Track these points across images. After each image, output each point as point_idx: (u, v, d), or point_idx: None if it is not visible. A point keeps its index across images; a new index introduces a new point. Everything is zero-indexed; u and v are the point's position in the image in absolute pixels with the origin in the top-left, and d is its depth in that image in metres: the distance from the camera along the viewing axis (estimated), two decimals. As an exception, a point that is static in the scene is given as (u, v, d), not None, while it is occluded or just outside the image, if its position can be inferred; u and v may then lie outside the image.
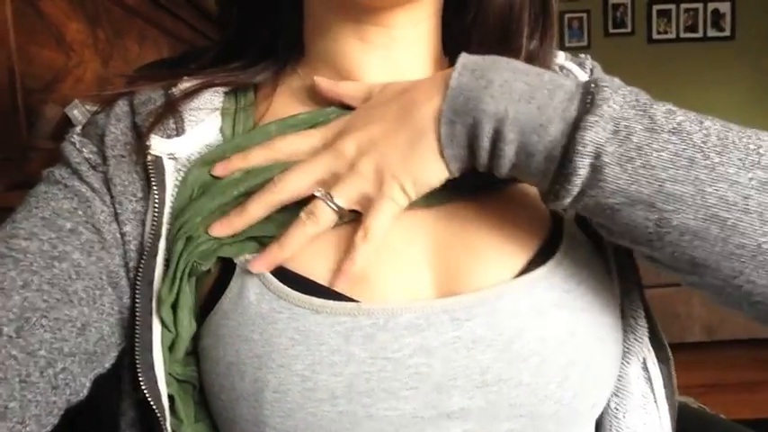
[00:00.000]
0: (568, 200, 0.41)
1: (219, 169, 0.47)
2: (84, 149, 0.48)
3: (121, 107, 0.50)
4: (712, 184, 0.38)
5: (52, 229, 0.44)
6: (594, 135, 0.38)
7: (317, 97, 0.51)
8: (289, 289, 0.43)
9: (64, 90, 0.84)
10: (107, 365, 0.46)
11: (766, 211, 0.38)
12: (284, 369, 0.41)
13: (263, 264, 0.44)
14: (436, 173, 0.43)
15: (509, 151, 0.41)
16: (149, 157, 0.46)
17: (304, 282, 0.43)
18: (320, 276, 0.44)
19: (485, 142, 0.41)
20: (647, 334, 0.50)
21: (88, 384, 0.44)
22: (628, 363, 0.50)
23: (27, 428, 0.40)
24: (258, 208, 0.45)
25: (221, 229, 0.45)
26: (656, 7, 3.61)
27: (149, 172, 0.46)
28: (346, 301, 0.43)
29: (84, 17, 0.92)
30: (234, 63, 0.53)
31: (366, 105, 0.47)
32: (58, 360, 0.41)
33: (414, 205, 0.46)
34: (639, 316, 0.50)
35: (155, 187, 0.45)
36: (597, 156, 0.39)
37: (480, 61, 0.43)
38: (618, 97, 0.40)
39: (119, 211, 0.46)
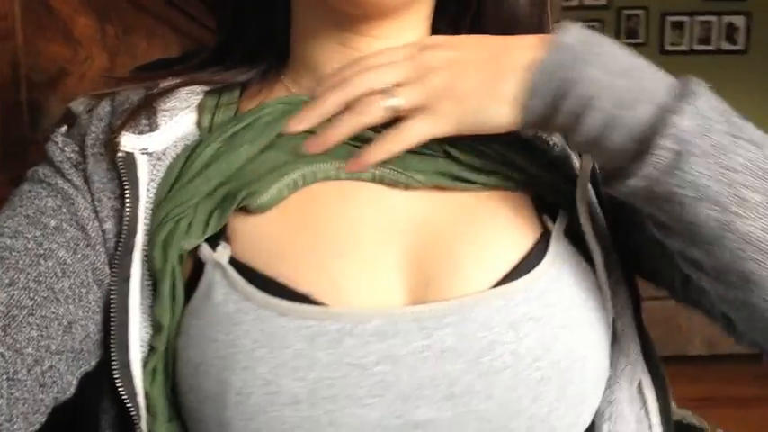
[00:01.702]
0: (638, 183, 0.40)
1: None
2: (66, 149, 0.49)
3: (104, 107, 0.51)
4: None
5: (37, 227, 0.45)
6: (686, 123, 0.39)
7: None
8: (255, 290, 0.43)
9: (69, 85, 0.84)
10: (93, 363, 0.46)
11: None
12: (248, 371, 0.41)
13: (314, 144, 0.46)
14: (501, 116, 0.44)
15: (595, 120, 0.41)
16: (120, 154, 0.46)
17: (271, 283, 0.43)
18: (289, 279, 0.43)
19: (572, 104, 0.42)
20: (640, 357, 0.49)
21: (75, 382, 0.45)
22: (620, 387, 0.48)
23: (14, 426, 0.40)
24: (328, 105, 0.46)
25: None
26: (669, 19, 3.59)
27: (119, 169, 0.46)
28: (314, 304, 0.42)
29: (93, 13, 0.92)
30: (219, 66, 0.53)
31: (458, 37, 0.47)
32: (45, 358, 0.42)
33: (399, 184, 0.46)
34: (632, 338, 0.49)
35: (126, 184, 0.46)
36: (681, 143, 0.39)
37: (588, 31, 0.44)
38: (707, 97, 0.41)
39: (98, 209, 0.47)
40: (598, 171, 0.49)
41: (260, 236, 0.46)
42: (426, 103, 0.45)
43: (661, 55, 3.59)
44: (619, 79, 0.41)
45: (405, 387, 0.41)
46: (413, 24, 0.51)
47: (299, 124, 0.47)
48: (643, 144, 0.40)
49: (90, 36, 0.90)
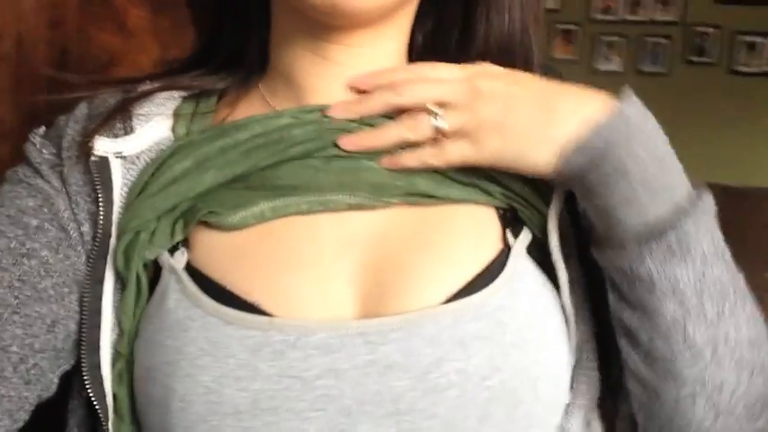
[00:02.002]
0: (625, 257, 0.43)
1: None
2: (44, 150, 0.49)
3: (81, 110, 0.51)
4: (735, 326, 0.43)
5: (19, 227, 0.45)
6: (691, 228, 0.42)
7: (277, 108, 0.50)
8: (205, 297, 0.42)
9: (119, 74, 0.85)
10: (72, 362, 0.47)
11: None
12: (191, 379, 0.41)
13: (351, 142, 0.46)
14: (541, 159, 0.44)
15: (620, 192, 0.43)
16: (93, 158, 0.47)
17: (222, 292, 0.43)
18: (239, 287, 0.43)
19: (608, 170, 0.43)
20: (594, 393, 0.47)
21: (56, 380, 0.46)
22: (573, 416, 0.46)
23: (0, 423, 0.41)
24: (377, 104, 0.47)
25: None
26: (742, 38, 3.45)
27: (93, 172, 0.47)
28: (261, 314, 0.42)
29: (148, 4, 0.92)
30: (199, 70, 0.53)
31: (516, 72, 0.47)
32: (30, 356, 0.43)
33: (375, 208, 0.45)
34: (593, 367, 0.47)
35: (98, 187, 0.46)
36: (680, 243, 0.42)
37: (644, 106, 0.45)
38: (712, 212, 0.44)
39: (76, 211, 0.47)
40: (589, 229, 0.49)
41: (218, 244, 0.45)
42: (471, 131, 0.45)
43: (731, 75, 3.46)
44: (653, 163, 0.43)
45: (347, 402, 0.41)
46: (390, 35, 0.50)
47: (341, 111, 0.47)
48: (648, 230, 0.43)
49: (143, 27, 0.90)
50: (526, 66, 0.50)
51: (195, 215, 0.45)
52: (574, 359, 0.46)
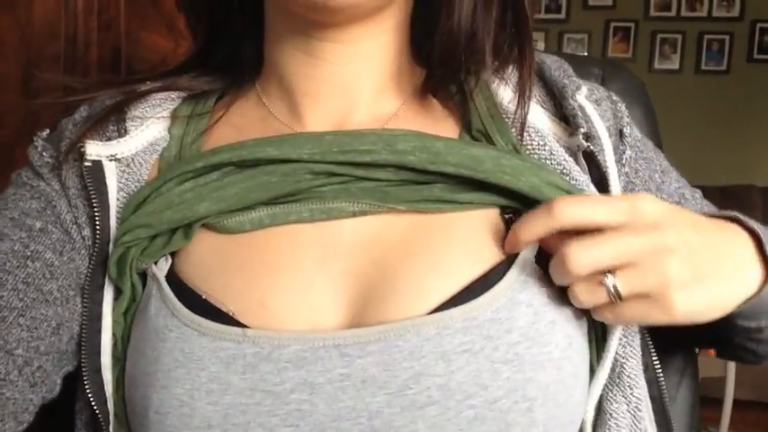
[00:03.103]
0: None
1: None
2: (45, 153, 0.49)
3: (81, 113, 0.51)
4: None
5: (23, 229, 0.45)
6: None
7: (270, 111, 0.50)
8: (181, 306, 0.41)
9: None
10: (75, 364, 0.46)
11: None
12: (166, 391, 0.40)
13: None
14: (718, 314, 0.42)
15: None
16: (86, 163, 0.46)
17: (198, 301, 0.42)
18: (216, 297, 0.42)
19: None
20: (646, 403, 0.45)
21: (59, 382, 0.46)
22: None
23: (5, 425, 0.41)
24: (545, 242, 0.42)
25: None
26: (810, 34, 3.30)
27: (86, 178, 0.46)
28: (236, 325, 0.41)
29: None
30: (197, 71, 0.53)
31: (679, 212, 0.42)
32: (35, 359, 0.43)
33: (345, 211, 0.43)
34: (637, 385, 0.44)
35: (92, 192, 0.45)
36: None
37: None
38: None
39: (76, 215, 0.47)
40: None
41: (201, 252, 0.44)
42: (657, 294, 0.40)
43: (798, 73, 3.30)
44: None
45: (321, 418, 0.39)
46: (384, 28, 0.48)
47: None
48: None
49: (193, 29, 0.92)
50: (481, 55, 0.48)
51: (194, 228, 0.45)
52: (587, 374, 0.43)
